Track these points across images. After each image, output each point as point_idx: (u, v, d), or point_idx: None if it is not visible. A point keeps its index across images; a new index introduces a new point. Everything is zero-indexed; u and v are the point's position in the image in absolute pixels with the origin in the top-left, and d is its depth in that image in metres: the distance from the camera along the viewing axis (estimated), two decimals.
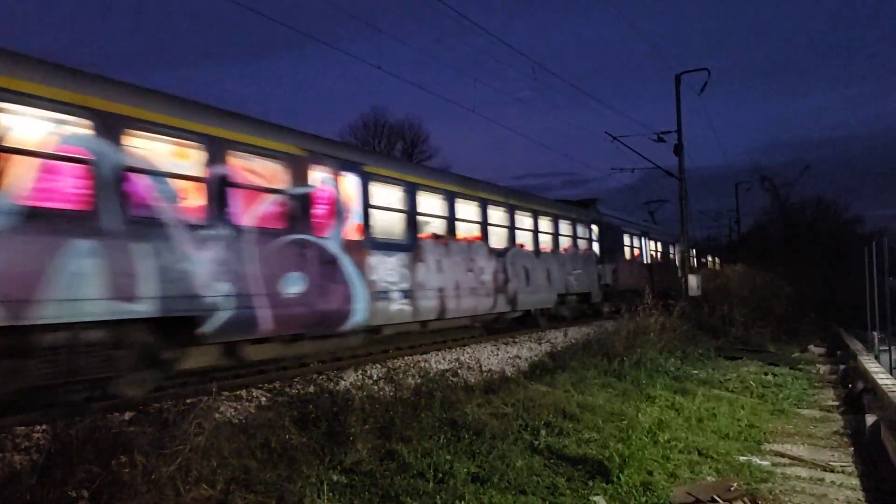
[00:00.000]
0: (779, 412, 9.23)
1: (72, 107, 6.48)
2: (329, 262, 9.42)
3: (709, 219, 52.16)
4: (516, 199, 15.76)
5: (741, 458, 6.56)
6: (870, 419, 7.85)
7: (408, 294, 11.07)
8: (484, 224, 13.93)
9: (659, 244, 29.31)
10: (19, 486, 4.05)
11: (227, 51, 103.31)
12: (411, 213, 11.51)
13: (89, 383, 6.79)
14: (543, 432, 6.61)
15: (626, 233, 23.93)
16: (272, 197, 8.75)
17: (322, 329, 9.42)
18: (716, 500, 5.18)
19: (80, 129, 6.57)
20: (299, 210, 9.00)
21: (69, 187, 6.49)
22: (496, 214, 14.53)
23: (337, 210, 9.77)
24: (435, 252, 11.99)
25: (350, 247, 9.87)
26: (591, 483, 5.40)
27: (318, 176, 9.49)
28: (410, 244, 11.35)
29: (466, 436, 6.18)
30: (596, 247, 20.46)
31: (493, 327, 15.74)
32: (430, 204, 12.19)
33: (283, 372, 9.27)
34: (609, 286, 20.97)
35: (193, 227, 7.55)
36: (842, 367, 13.73)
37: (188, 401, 5.91)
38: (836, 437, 7.95)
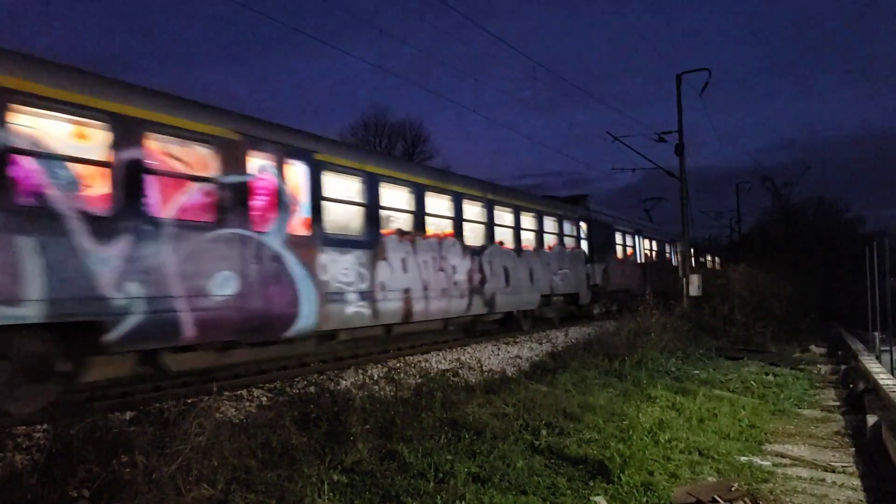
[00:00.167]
0: (780, 412, 9.22)
1: None
2: (269, 259, 8.46)
3: (710, 219, 52.27)
4: (495, 193, 14.83)
5: (742, 459, 6.55)
6: (871, 419, 7.83)
7: (367, 295, 10.14)
8: (458, 220, 12.99)
9: (654, 243, 28.41)
10: (20, 485, 4.06)
11: (227, 50, 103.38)
12: (372, 207, 10.53)
13: None
14: (544, 432, 6.60)
15: (619, 231, 23.05)
16: (200, 186, 7.80)
17: (260, 335, 8.42)
18: (717, 501, 5.18)
19: None
20: (233, 201, 8.04)
21: None
22: (472, 209, 13.65)
23: (280, 202, 8.82)
24: (400, 249, 11.07)
25: (296, 243, 8.94)
26: (591, 483, 5.40)
27: (257, 163, 8.56)
28: (371, 241, 10.41)
29: (467, 436, 6.17)
30: (585, 245, 19.59)
31: (472, 330, 14.91)
32: (394, 197, 11.26)
33: (284, 372, 9.27)
34: (599, 286, 20.15)
35: (97, 219, 6.61)
36: (843, 367, 13.71)
37: (189, 400, 5.92)
38: (837, 438, 7.94)
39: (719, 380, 11.14)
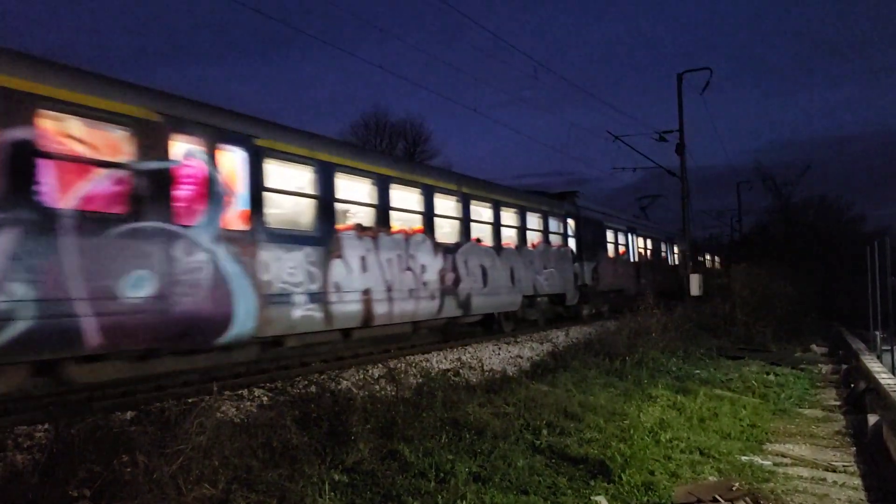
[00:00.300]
0: (781, 412, 9.22)
1: None
2: (196, 257, 7.56)
3: (710, 218, 52.26)
4: (471, 186, 13.85)
5: (743, 458, 6.54)
6: (872, 419, 7.83)
7: (318, 297, 9.19)
8: (428, 215, 12.03)
9: (649, 241, 27.19)
10: (21, 485, 4.06)
11: (229, 50, 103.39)
12: (325, 200, 9.55)
13: None
14: (545, 432, 6.60)
15: (610, 228, 22.02)
16: (109, 173, 6.90)
17: (186, 342, 7.53)
18: (717, 500, 5.17)
19: None
20: (152, 191, 7.12)
21: None
22: (445, 204, 12.74)
23: (211, 193, 7.90)
24: (359, 247, 10.10)
25: (231, 238, 8.04)
26: (592, 483, 5.40)
27: (182, 148, 7.65)
28: (324, 237, 9.46)
29: (468, 435, 6.18)
30: (573, 243, 18.68)
31: (450, 333, 14.08)
32: (353, 189, 10.33)
33: (285, 371, 9.28)
34: (588, 286, 19.22)
35: None
36: (844, 366, 13.71)
37: (189, 400, 5.94)
38: (838, 437, 7.94)
39: (720, 379, 11.14)
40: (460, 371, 8.99)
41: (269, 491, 4.44)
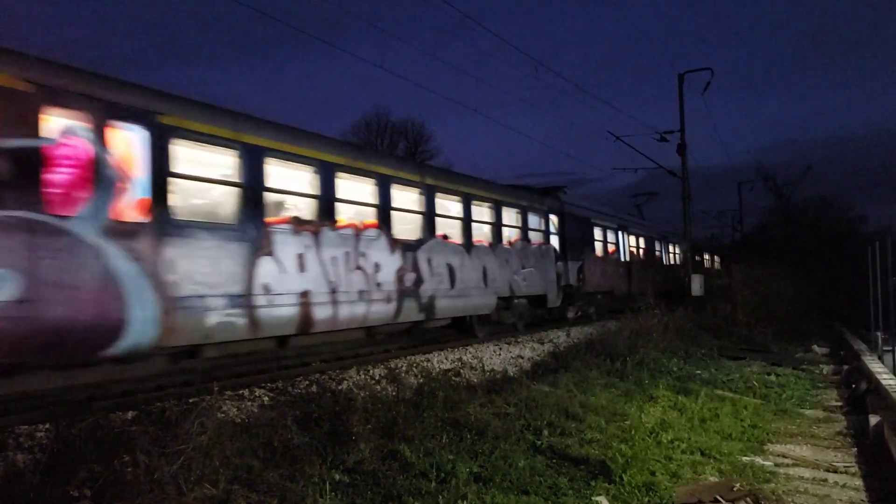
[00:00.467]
0: (782, 412, 9.22)
1: None
2: (76, 253, 6.42)
3: (710, 218, 52.22)
4: (437, 178, 12.58)
5: (744, 459, 6.54)
6: (873, 420, 7.82)
7: (241, 301, 7.92)
8: (384, 208, 10.73)
9: (642, 240, 25.74)
10: (22, 485, 4.07)
11: (230, 50, 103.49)
12: (253, 189, 8.32)
13: None
14: (546, 432, 6.60)
15: (598, 226, 20.69)
16: None
17: (62, 355, 6.40)
18: (718, 501, 5.17)
19: None
20: (14, 174, 6.01)
21: None
22: (404, 196, 11.44)
23: (98, 177, 6.67)
24: (295, 243, 8.85)
25: (125, 232, 6.84)
26: (593, 483, 5.40)
27: (59, 124, 6.53)
28: (250, 231, 8.19)
29: (469, 436, 6.18)
30: (556, 241, 17.41)
31: (421, 338, 13.09)
32: (289, 177, 9.14)
33: (286, 371, 9.27)
34: (573, 287, 18.00)
35: None
36: (845, 367, 13.70)
37: (190, 400, 5.94)
38: (839, 438, 7.93)
39: (721, 380, 11.14)
40: (461, 371, 8.99)
41: (270, 491, 4.45)
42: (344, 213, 9.85)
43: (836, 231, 44.59)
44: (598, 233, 20.54)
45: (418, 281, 11.35)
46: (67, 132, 6.55)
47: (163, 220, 7.17)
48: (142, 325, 6.81)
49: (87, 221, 6.53)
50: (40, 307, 6.07)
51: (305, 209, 9.30)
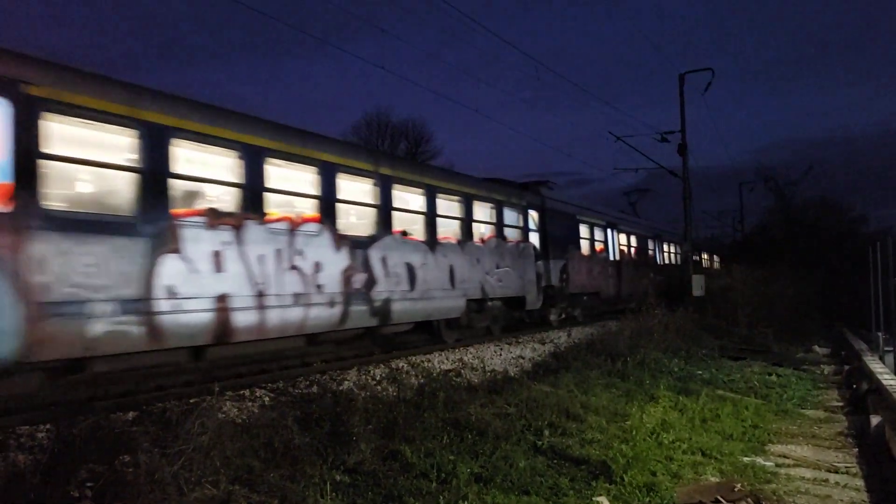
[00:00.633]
0: (783, 413, 9.21)
1: None
2: None
3: (711, 218, 52.19)
4: (394, 168, 11.26)
5: (745, 459, 6.54)
6: (874, 420, 7.82)
7: (138, 306, 6.77)
8: (328, 200, 9.47)
9: (633, 238, 24.44)
10: (23, 485, 4.07)
11: (231, 51, 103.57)
12: (154, 175, 7.12)
13: None
14: (547, 432, 6.60)
15: (584, 223, 19.50)
16: None
17: None
18: (719, 501, 5.17)
19: None
20: None
21: None
22: (353, 187, 10.16)
23: None
24: (210, 239, 7.65)
25: None
26: (594, 483, 5.40)
27: None
28: (150, 224, 7.02)
29: (469, 436, 6.18)
30: (535, 238, 16.18)
31: (388, 343, 11.97)
32: (203, 163, 8.02)
33: (287, 371, 9.27)
34: (555, 288, 16.77)
35: None
36: (846, 367, 13.70)
37: (191, 400, 5.93)
38: (840, 438, 7.93)
39: (722, 380, 11.14)
40: (462, 372, 8.99)
41: (271, 491, 4.45)
42: (276, 206, 8.69)
43: (837, 231, 44.53)
44: (584, 230, 19.47)
45: (370, 282, 10.11)
46: None
47: (29, 211, 5.99)
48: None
49: None
50: None
51: (226, 200, 8.14)
